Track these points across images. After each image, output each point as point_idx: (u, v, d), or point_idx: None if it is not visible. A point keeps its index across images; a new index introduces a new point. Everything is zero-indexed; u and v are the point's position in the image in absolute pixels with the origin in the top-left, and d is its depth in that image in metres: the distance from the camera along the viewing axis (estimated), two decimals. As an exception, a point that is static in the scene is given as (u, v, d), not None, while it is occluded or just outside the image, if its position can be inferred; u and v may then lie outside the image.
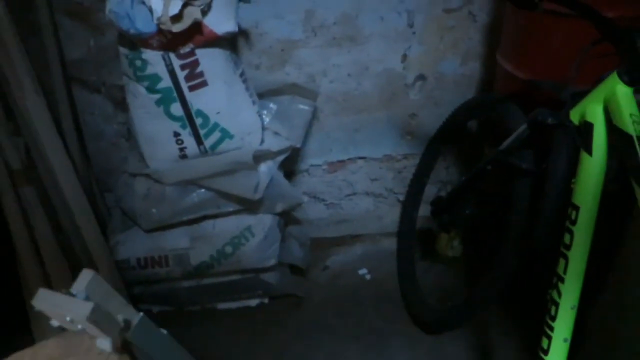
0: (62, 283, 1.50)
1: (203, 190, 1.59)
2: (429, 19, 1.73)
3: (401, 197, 2.09)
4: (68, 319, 0.53)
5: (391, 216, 2.12)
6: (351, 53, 1.77)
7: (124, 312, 0.58)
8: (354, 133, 1.94)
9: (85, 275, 0.55)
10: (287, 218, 1.83)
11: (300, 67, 1.78)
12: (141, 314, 0.61)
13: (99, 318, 0.52)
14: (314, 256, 2.00)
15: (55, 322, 0.57)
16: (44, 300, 0.53)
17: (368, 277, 1.95)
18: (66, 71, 1.69)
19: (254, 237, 1.63)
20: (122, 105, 1.80)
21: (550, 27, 1.35)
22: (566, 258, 1.09)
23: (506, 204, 1.39)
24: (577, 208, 1.08)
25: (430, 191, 1.96)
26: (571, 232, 1.09)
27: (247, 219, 1.64)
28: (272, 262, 1.67)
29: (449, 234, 1.87)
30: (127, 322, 0.58)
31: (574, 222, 1.08)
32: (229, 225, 1.64)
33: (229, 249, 1.63)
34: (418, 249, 1.98)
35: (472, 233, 1.92)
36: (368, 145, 1.97)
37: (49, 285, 1.50)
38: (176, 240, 1.65)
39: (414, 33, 1.75)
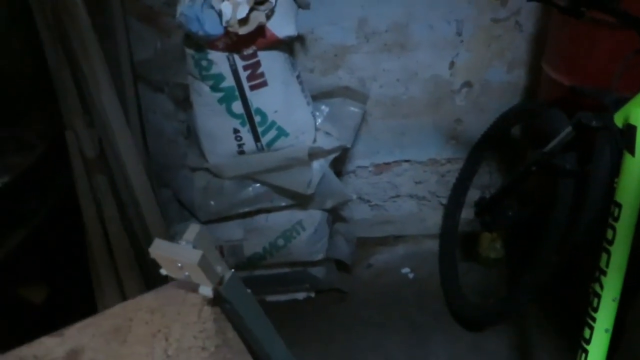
0: (127, 264, 1.62)
1: (258, 184, 1.69)
2: (477, 28, 1.80)
3: (444, 201, 2.15)
4: (179, 265, 0.62)
5: (433, 218, 2.18)
6: (401, 59, 1.85)
7: (220, 266, 0.67)
8: (400, 136, 2.01)
9: (194, 229, 0.64)
10: (334, 215, 1.92)
11: (352, 72, 1.87)
12: (232, 270, 0.70)
13: (206, 265, 0.62)
14: (358, 254, 2.08)
15: (163, 271, 0.67)
16: (159, 248, 0.63)
17: (410, 275, 2.01)
18: (134, 70, 1.82)
19: (305, 230, 1.72)
20: (182, 104, 1.92)
21: (595, 35, 1.41)
22: (608, 252, 1.14)
23: (548, 206, 1.45)
24: (619, 205, 1.13)
25: (473, 195, 2.01)
26: (614, 228, 1.14)
27: (298, 214, 1.73)
28: (321, 256, 1.76)
29: (491, 233, 1.92)
30: (221, 277, 0.68)
31: (616, 219, 1.13)
32: (281, 219, 1.73)
33: (280, 242, 1.72)
34: (460, 250, 2.03)
35: (514, 235, 1.97)
36: (413, 148, 2.05)
37: (114, 266, 1.62)
38: (231, 231, 1.75)
39: (461, 41, 1.83)
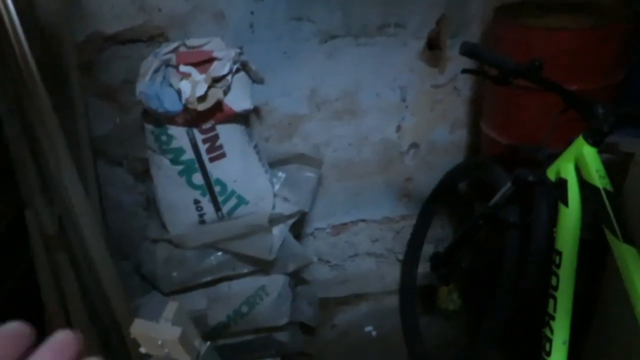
0: (88, 343, 1.59)
1: (220, 252, 1.71)
2: (419, 94, 1.94)
3: (401, 257, 2.23)
4: (160, 342, 0.66)
5: (392, 275, 2.25)
6: (351, 125, 1.96)
7: (197, 340, 0.70)
8: (355, 197, 2.10)
9: (172, 306, 0.68)
10: (296, 278, 1.96)
11: (305, 138, 1.96)
12: (208, 343, 0.73)
13: (186, 341, 0.65)
14: (321, 315, 2.11)
15: (143, 349, 0.70)
16: (139, 327, 0.66)
17: (374, 333, 2.05)
18: (92, 145, 1.85)
19: (268, 296, 1.74)
20: (141, 176, 1.96)
21: (525, 99, 1.56)
22: (554, 298, 1.23)
23: (498, 256, 1.54)
24: (560, 253, 1.23)
25: (428, 249, 2.10)
26: (557, 275, 1.23)
27: (261, 279, 1.76)
28: (285, 320, 1.77)
29: (447, 286, 2.00)
30: (197, 350, 0.71)
31: (558, 266, 1.23)
32: (244, 286, 1.75)
33: (244, 309, 1.73)
34: (420, 304, 2.09)
35: (469, 286, 2.05)
36: (368, 208, 2.14)
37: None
38: (194, 302, 1.76)
39: (406, 106, 1.96)
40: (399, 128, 1.99)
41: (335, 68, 1.87)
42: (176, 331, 0.64)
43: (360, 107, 1.94)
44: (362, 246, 2.22)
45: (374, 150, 2.02)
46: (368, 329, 2.07)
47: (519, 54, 1.48)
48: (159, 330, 0.66)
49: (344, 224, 2.16)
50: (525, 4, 1.71)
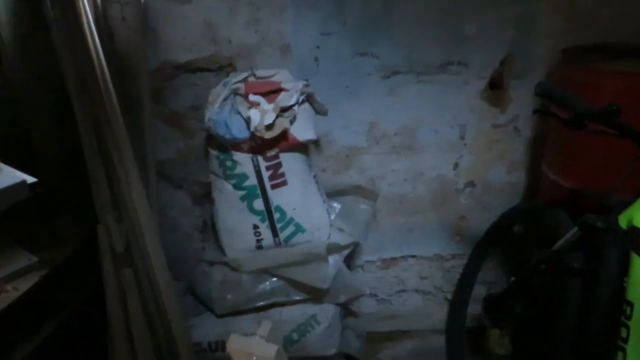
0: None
1: (275, 278, 1.73)
2: (478, 133, 1.95)
3: (449, 296, 2.20)
4: (254, 358, 0.67)
5: (439, 314, 2.22)
6: (408, 160, 1.98)
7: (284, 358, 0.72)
8: (407, 232, 2.10)
9: (266, 324, 0.70)
10: (345, 309, 1.95)
11: (362, 171, 1.98)
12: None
13: (281, 359, 0.67)
14: (366, 349, 2.09)
15: (237, 365, 0.71)
16: (235, 343, 0.68)
17: (420, 372, 2.02)
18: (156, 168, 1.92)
19: (319, 325, 1.74)
20: (200, 200, 2.01)
21: (596, 144, 1.54)
22: (624, 351, 1.20)
23: (556, 303, 1.51)
24: (631, 304, 1.20)
25: (478, 291, 2.08)
26: (627, 327, 1.20)
27: (312, 308, 1.76)
28: (333, 350, 1.76)
29: (500, 329, 1.95)
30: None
31: (629, 317, 1.20)
32: (296, 313, 1.76)
33: (295, 336, 1.73)
34: (467, 346, 2.05)
35: (522, 331, 2.00)
36: (420, 244, 2.13)
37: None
38: (246, 325, 1.76)
39: (465, 144, 1.96)
40: (456, 166, 2.00)
41: (396, 103, 1.90)
42: (272, 348, 0.66)
43: (418, 143, 1.95)
44: (410, 282, 2.21)
45: (429, 186, 2.02)
46: (413, 366, 2.04)
47: (587, 96, 1.48)
48: (254, 346, 0.67)
49: (394, 259, 2.16)
50: (594, 47, 1.71)
